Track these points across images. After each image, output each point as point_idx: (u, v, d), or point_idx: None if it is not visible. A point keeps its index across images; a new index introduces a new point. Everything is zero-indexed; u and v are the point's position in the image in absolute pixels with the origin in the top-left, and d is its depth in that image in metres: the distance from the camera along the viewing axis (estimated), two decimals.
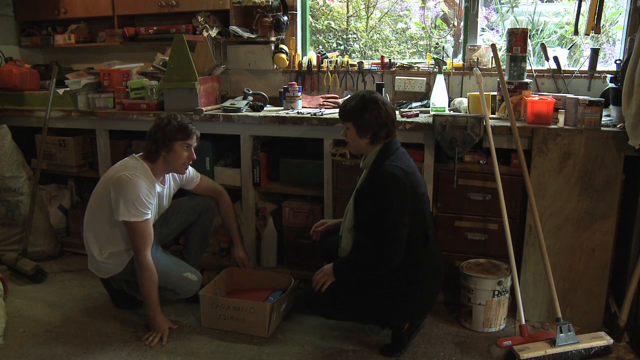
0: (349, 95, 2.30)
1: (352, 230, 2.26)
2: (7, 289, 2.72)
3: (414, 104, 3.06)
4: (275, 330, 2.52)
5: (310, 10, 3.59)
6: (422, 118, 2.72)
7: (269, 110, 3.07)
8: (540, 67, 3.05)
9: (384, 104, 2.18)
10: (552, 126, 2.48)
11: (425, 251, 2.20)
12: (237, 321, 2.48)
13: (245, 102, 3.03)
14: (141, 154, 2.52)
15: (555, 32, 3.52)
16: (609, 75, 2.81)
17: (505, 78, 2.73)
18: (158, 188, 2.51)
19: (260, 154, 3.02)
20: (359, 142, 2.22)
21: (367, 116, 2.15)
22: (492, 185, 2.52)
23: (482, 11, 3.26)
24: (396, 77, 3.21)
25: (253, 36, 3.34)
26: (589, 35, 2.77)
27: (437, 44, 3.47)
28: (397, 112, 2.88)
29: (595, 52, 2.86)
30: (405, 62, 3.28)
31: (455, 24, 3.44)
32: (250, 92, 3.10)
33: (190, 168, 2.67)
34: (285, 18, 3.27)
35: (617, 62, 2.72)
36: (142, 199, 2.36)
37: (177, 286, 2.53)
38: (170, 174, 2.62)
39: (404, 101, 3.10)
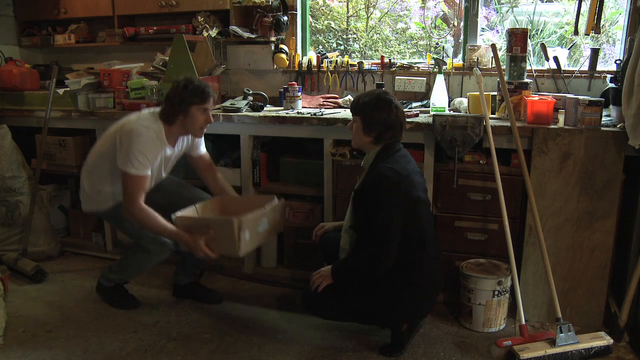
0: (365, 92, 2.29)
1: (349, 230, 2.27)
2: (7, 289, 2.72)
3: (414, 104, 3.06)
4: (275, 329, 2.53)
5: (310, 10, 3.59)
6: (422, 118, 2.72)
7: (269, 110, 3.07)
8: (540, 67, 3.05)
9: (396, 108, 2.18)
10: (552, 126, 2.48)
11: (422, 254, 2.20)
12: (211, 242, 2.30)
13: (245, 102, 3.03)
14: (160, 113, 2.48)
15: (555, 32, 3.52)
16: (609, 75, 2.81)
17: (505, 78, 2.73)
18: (168, 151, 2.49)
19: (260, 154, 3.01)
20: (362, 138, 2.22)
21: (377, 115, 2.15)
22: (492, 185, 2.52)
23: (482, 11, 3.26)
24: (396, 77, 3.21)
25: (253, 36, 3.34)
26: (589, 35, 2.77)
27: (437, 44, 3.47)
28: None
29: (595, 52, 2.86)
30: (405, 62, 3.28)
31: (455, 24, 3.44)
32: (250, 92, 3.10)
33: (198, 140, 2.66)
34: (285, 18, 3.27)
35: (617, 62, 2.72)
36: (146, 155, 2.34)
37: (151, 242, 2.53)
38: (186, 137, 2.59)
39: (404, 101, 3.10)
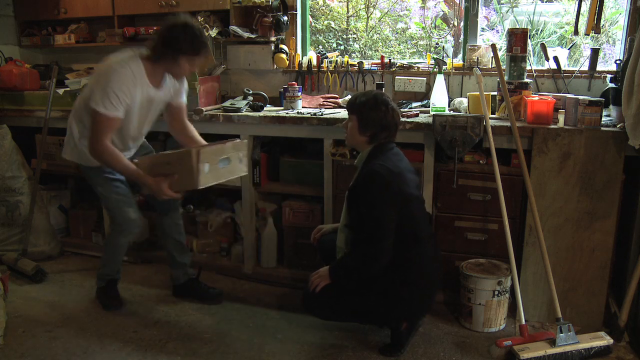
0: (362, 91, 2.33)
1: (345, 229, 2.28)
2: (7, 289, 2.71)
3: (414, 104, 3.06)
4: (275, 329, 2.53)
5: (310, 10, 3.58)
6: (422, 118, 2.72)
7: (269, 110, 3.07)
8: (540, 67, 3.05)
9: (392, 109, 2.20)
10: (552, 126, 2.48)
11: (416, 251, 2.20)
12: (174, 181, 2.28)
13: (245, 102, 3.03)
14: (145, 52, 2.37)
15: (555, 32, 3.52)
16: (609, 75, 2.81)
17: (505, 78, 2.72)
18: (151, 91, 2.39)
19: (260, 154, 3.02)
20: (356, 137, 2.23)
21: (373, 115, 2.17)
22: (492, 185, 2.52)
23: (482, 11, 3.26)
24: (396, 77, 3.21)
25: (253, 36, 3.34)
26: (589, 35, 2.77)
27: (437, 44, 3.47)
28: None
29: (595, 52, 2.86)
30: (405, 62, 3.28)
31: (455, 24, 3.44)
32: (250, 92, 3.10)
33: (185, 85, 2.59)
34: (285, 18, 3.27)
35: (617, 62, 2.72)
36: (118, 96, 2.24)
37: (118, 217, 2.53)
38: (171, 80, 2.49)
39: (404, 101, 3.10)
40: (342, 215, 2.32)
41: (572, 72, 2.94)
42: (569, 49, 3.08)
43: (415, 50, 3.97)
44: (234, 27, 3.31)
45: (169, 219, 2.74)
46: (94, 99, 2.26)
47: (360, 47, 4.10)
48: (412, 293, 2.21)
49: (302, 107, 3.09)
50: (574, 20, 2.80)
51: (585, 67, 2.93)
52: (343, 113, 2.89)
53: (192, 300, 2.80)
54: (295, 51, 3.45)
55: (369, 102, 2.18)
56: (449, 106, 2.92)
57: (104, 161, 2.33)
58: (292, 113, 2.92)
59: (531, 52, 3.08)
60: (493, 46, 2.60)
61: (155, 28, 3.49)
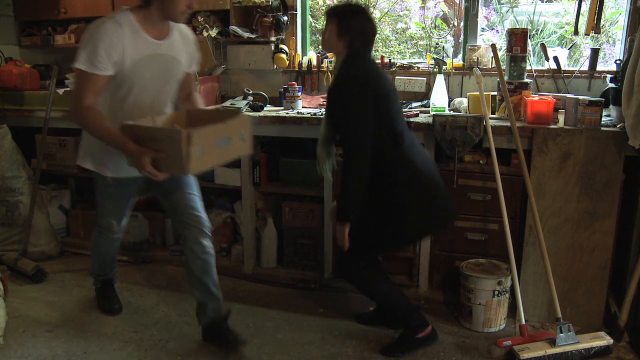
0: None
1: (324, 141, 2.31)
2: (7, 289, 2.71)
3: (414, 104, 3.06)
4: (275, 329, 2.52)
5: (310, 10, 3.59)
6: (422, 118, 2.72)
7: (269, 110, 3.07)
8: (540, 67, 3.05)
9: (372, 20, 2.21)
10: (552, 126, 2.48)
11: (397, 151, 2.17)
12: (161, 160, 1.97)
13: (245, 102, 3.04)
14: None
15: (555, 32, 3.52)
16: (609, 75, 2.81)
17: (505, 78, 2.73)
18: (154, 46, 2.11)
19: (260, 154, 3.02)
20: (334, 42, 2.20)
21: (354, 21, 2.17)
22: (492, 185, 2.52)
23: (482, 11, 3.26)
24: (396, 77, 3.21)
25: (253, 36, 3.34)
26: (589, 35, 2.77)
27: (437, 44, 3.47)
28: None
29: (595, 52, 2.86)
30: (405, 62, 3.28)
31: (455, 24, 3.44)
32: (250, 92, 3.10)
33: (197, 54, 2.35)
34: (285, 18, 3.27)
35: (617, 62, 2.73)
36: (97, 49, 1.99)
37: (101, 222, 2.50)
38: (183, 40, 2.24)
39: (404, 101, 3.10)
40: (321, 128, 2.31)
41: (572, 72, 2.95)
42: (569, 49, 3.08)
43: (415, 50, 3.96)
44: (234, 27, 3.31)
45: (189, 250, 2.31)
46: (76, 58, 2.03)
47: None
48: (411, 198, 2.16)
49: (302, 107, 3.09)
50: (574, 20, 2.80)
51: (585, 67, 2.93)
52: None
53: (192, 302, 2.60)
54: (295, 51, 3.45)
55: (351, 9, 2.20)
56: (449, 106, 2.92)
57: (85, 125, 2.10)
58: (292, 113, 2.92)
59: (531, 52, 3.08)
60: (493, 46, 2.60)
61: None
